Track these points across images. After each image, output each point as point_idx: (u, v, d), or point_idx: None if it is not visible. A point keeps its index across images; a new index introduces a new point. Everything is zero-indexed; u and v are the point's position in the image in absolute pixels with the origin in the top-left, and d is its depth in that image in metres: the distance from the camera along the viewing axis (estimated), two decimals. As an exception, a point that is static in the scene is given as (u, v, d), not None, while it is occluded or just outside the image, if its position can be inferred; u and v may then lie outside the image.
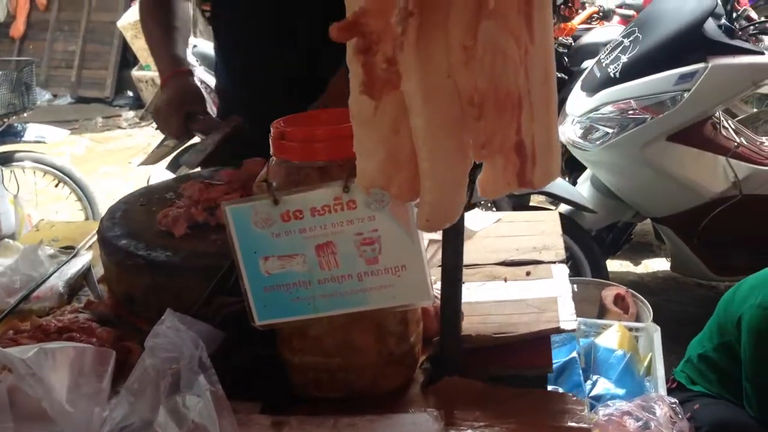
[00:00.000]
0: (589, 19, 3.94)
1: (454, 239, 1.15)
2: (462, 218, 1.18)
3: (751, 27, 3.11)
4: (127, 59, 7.88)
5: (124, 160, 6.02)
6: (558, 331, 1.32)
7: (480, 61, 0.86)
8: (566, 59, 3.87)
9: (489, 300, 1.53)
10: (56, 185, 3.85)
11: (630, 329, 2.39)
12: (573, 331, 1.32)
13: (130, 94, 7.80)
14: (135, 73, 7.42)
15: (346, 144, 0.96)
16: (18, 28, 7.98)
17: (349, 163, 1.00)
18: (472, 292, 1.58)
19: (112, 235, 1.53)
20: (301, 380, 1.23)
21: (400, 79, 0.60)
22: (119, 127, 7.08)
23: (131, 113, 7.40)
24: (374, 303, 1.16)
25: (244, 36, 1.92)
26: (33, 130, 3.71)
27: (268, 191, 1.13)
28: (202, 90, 1.98)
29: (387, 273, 1.14)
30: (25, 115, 3.77)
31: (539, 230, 1.80)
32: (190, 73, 1.97)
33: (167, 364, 1.13)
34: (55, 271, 1.61)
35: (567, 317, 1.43)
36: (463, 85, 0.87)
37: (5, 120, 3.68)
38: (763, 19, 3.27)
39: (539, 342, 1.36)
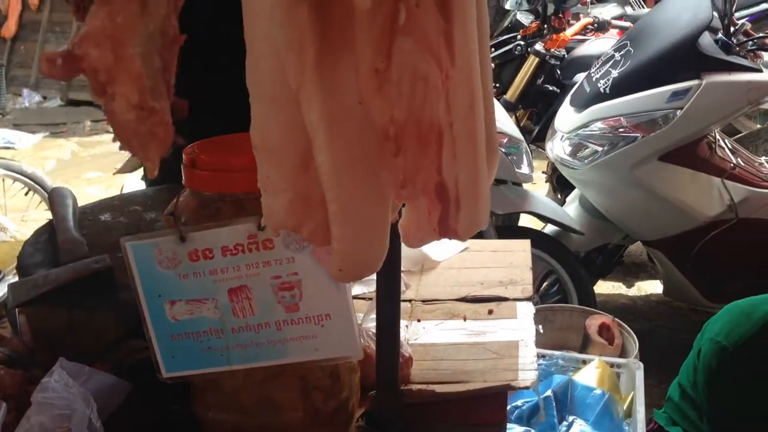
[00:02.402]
0: (584, 31, 3.79)
1: (387, 287, 1.01)
2: (396, 263, 1.04)
3: (750, 42, 2.96)
4: (120, 62, 7.74)
5: (109, 166, 5.89)
6: (510, 388, 1.17)
7: (396, 86, 0.71)
8: (558, 72, 3.72)
9: (444, 342, 1.40)
10: (26, 193, 3.72)
11: (611, 365, 2.24)
12: (528, 387, 1.17)
13: (122, 98, 7.66)
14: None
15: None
16: (9, 29, 7.86)
17: (268, 197, 0.86)
18: (428, 331, 1.44)
19: (30, 263, 1.39)
20: (216, 440, 1.09)
21: (169, 132, 0.46)
22: (107, 131, 6.96)
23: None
24: (295, 356, 1.02)
25: None
26: (1, 135, 3.58)
27: (174, 226, 0.99)
28: None
29: (309, 322, 1.00)
30: (-6, 119, 3.65)
31: (507, 262, 1.66)
32: None
33: (57, 422, 0.99)
34: (-29, 300, 1.46)
35: (527, 366, 1.29)
36: (377, 115, 0.72)
37: (-25, 127, 3.55)
38: (762, 34, 3.11)
39: (493, 395, 1.22)
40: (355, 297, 1.39)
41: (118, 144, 1.60)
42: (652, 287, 3.91)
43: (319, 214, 0.80)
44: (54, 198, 1.56)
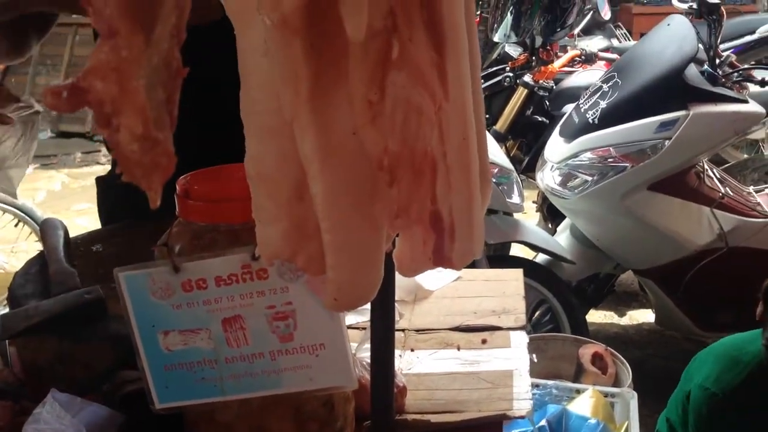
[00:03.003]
0: (571, 63, 3.84)
1: (382, 317, 1.01)
2: (390, 293, 1.04)
3: (735, 74, 3.01)
4: (111, 94, 7.76)
5: (100, 197, 5.87)
6: (506, 418, 1.17)
7: (390, 118, 0.72)
8: (547, 103, 3.76)
9: (438, 371, 1.40)
10: (16, 225, 3.71)
11: (605, 395, 2.24)
12: (523, 417, 1.17)
13: (112, 129, 7.66)
14: (117, 108, 7.29)
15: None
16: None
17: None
18: (421, 361, 1.44)
19: (21, 294, 1.38)
20: (210, 472, 1.08)
21: (172, 161, 0.46)
22: (98, 163, 6.95)
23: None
24: (289, 385, 1.01)
25: None
26: (-7, 168, 3.59)
27: (168, 256, 0.99)
28: None
29: (303, 352, 1.00)
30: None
31: (500, 291, 1.66)
32: None
33: (49, 454, 0.98)
34: (-39, 332, 1.45)
35: (522, 395, 1.29)
36: (370, 146, 0.73)
37: (-33, 158, 3.55)
38: (747, 66, 3.17)
39: (488, 424, 1.22)
40: (349, 327, 1.39)
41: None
42: (644, 316, 3.92)
43: (313, 244, 0.81)
44: (45, 229, 1.56)
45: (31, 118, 3.56)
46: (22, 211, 3.58)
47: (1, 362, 1.42)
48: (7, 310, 1.54)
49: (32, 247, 3.77)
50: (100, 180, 1.65)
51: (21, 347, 1.36)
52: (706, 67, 2.97)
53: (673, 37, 2.97)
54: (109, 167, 1.71)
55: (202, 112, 1.40)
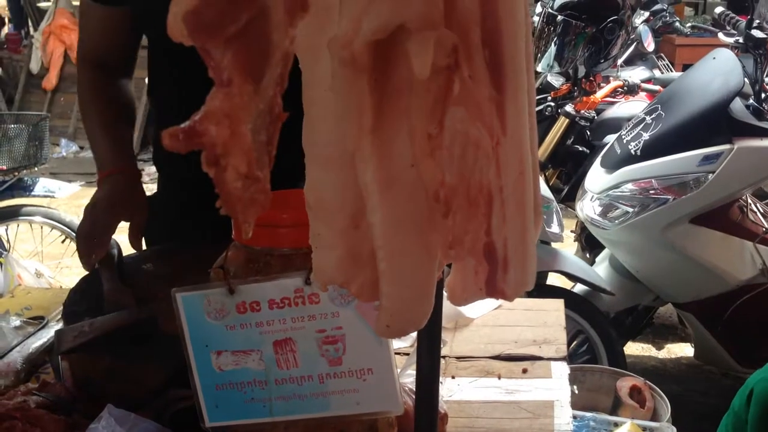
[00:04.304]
0: (613, 93, 3.84)
1: (429, 343, 1.02)
2: (438, 321, 1.06)
3: (781, 109, 2.99)
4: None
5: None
6: (548, 448, 1.18)
7: (448, 151, 0.75)
8: (588, 133, 3.76)
9: (479, 399, 1.41)
10: (63, 241, 3.79)
11: (644, 429, 2.22)
12: (565, 448, 1.18)
13: (154, 148, 7.83)
14: (160, 128, 7.45)
15: (313, 231, 0.85)
16: (51, 81, 8.09)
17: (315, 252, 0.89)
18: (462, 388, 1.45)
19: (75, 310, 1.43)
20: (255, 491, 1.10)
21: (268, 198, 0.49)
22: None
23: (153, 168, 7.41)
24: (336, 409, 1.04)
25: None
26: (42, 184, 3.68)
27: (223, 279, 1.02)
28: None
29: (351, 376, 1.02)
30: (36, 169, 3.75)
31: (541, 321, 1.67)
32: (135, 174, 1.60)
33: (103, 467, 1.01)
34: (17, 345, 1.50)
35: (563, 427, 1.29)
36: (428, 178, 0.76)
37: (16, 173, 3.65)
38: (793, 100, 3.14)
39: (529, 455, 1.22)
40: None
41: (150, 193, 1.61)
42: (683, 350, 3.86)
43: (367, 271, 0.83)
44: None
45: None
46: (70, 228, 3.67)
47: (53, 377, 1.47)
48: (60, 325, 1.59)
49: (78, 263, 3.84)
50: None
51: (74, 363, 1.40)
52: (751, 101, 2.96)
53: (719, 71, 2.96)
54: (151, 186, 1.74)
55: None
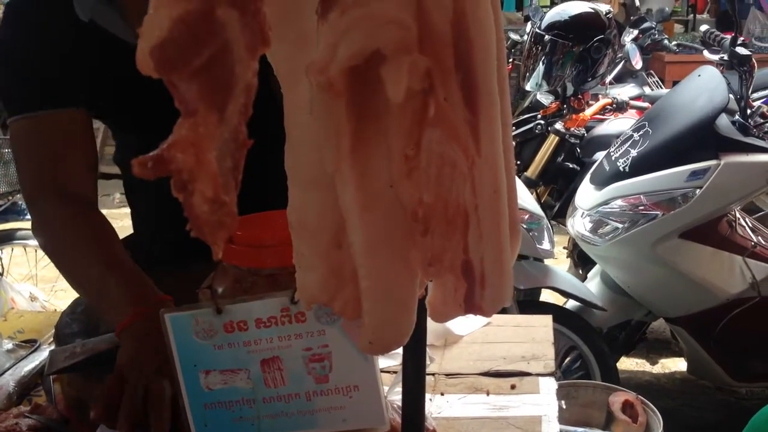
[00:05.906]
0: (603, 111, 3.88)
1: (414, 360, 1.04)
2: (422, 337, 1.08)
3: (766, 124, 3.03)
4: (149, 137, 7.94)
5: (136, 237, 5.97)
6: (533, 463, 1.19)
7: (425, 172, 0.77)
8: (578, 150, 3.80)
9: (468, 416, 1.42)
10: (57, 264, 3.79)
11: (635, 443, 2.23)
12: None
13: (150, 171, 7.83)
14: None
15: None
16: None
17: (301, 272, 0.91)
18: (451, 405, 1.46)
19: (67, 332, 1.44)
20: None
21: (235, 220, 0.52)
22: (135, 204, 7.09)
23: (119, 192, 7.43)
24: (324, 426, 1.05)
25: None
26: (36, 208, 3.69)
27: (211, 299, 1.04)
28: None
29: (338, 393, 1.04)
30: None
31: (530, 337, 1.69)
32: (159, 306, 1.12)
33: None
34: (9, 368, 1.51)
35: (550, 442, 1.31)
36: (406, 197, 0.78)
37: (11, 197, 3.67)
38: (778, 116, 3.18)
39: (517, 471, 1.23)
40: (381, 370, 1.42)
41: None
42: (677, 365, 3.87)
43: (349, 289, 0.85)
44: None
45: None
46: (63, 251, 3.66)
47: (45, 399, 1.48)
48: (53, 347, 1.60)
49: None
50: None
51: (65, 384, 1.41)
52: (737, 117, 3.00)
53: (704, 88, 3.00)
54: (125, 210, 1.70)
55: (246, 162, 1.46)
